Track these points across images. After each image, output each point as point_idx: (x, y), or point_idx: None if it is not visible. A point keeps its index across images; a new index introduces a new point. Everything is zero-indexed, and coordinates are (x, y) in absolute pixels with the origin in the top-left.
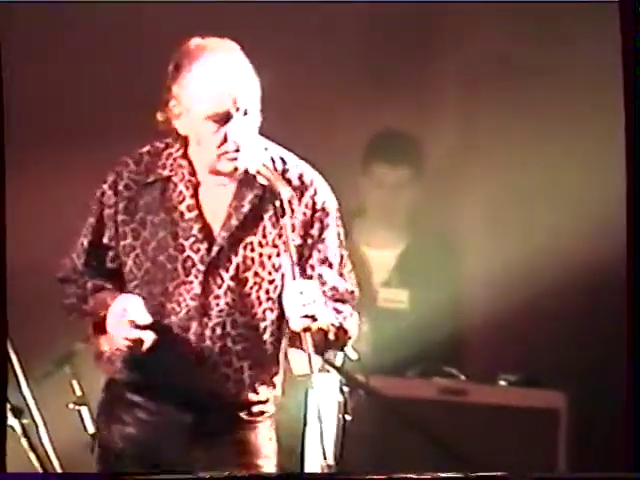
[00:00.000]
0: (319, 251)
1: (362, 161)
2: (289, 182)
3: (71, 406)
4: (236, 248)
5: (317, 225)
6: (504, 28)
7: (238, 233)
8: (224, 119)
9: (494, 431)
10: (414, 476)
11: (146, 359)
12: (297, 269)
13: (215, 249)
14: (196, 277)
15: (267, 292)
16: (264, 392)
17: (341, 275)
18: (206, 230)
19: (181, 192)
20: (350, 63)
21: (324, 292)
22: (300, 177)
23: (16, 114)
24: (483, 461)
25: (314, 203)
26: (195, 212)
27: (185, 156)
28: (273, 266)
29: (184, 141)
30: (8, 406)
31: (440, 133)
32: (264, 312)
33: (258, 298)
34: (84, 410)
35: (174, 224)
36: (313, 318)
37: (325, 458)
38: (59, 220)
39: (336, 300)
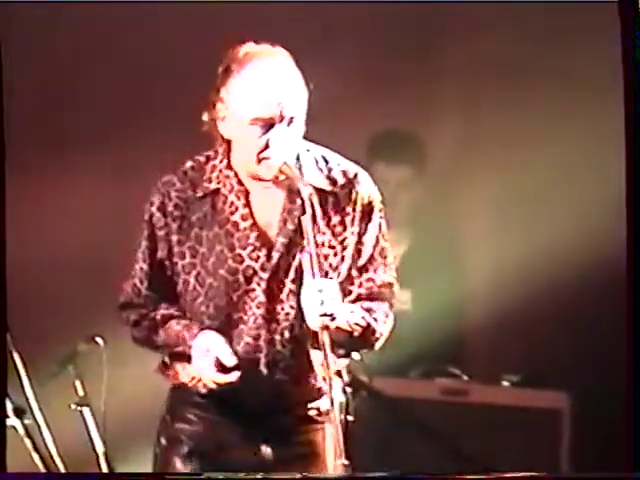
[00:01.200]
0: (363, 244)
1: (364, 160)
2: (334, 181)
3: (74, 406)
4: (294, 252)
5: (364, 219)
6: (505, 28)
7: (294, 237)
8: (268, 125)
9: (497, 431)
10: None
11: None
12: (317, 267)
13: (276, 255)
14: (259, 284)
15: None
16: (323, 396)
17: (380, 267)
18: (263, 237)
19: (232, 203)
20: (352, 63)
21: (361, 284)
22: (345, 174)
23: (16, 114)
24: (485, 461)
25: (360, 198)
26: (250, 221)
27: (229, 166)
28: (330, 266)
29: (227, 149)
30: (11, 406)
31: (442, 133)
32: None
33: None
34: (86, 410)
35: (229, 235)
36: (332, 317)
37: (341, 457)
38: (60, 219)
39: (371, 298)
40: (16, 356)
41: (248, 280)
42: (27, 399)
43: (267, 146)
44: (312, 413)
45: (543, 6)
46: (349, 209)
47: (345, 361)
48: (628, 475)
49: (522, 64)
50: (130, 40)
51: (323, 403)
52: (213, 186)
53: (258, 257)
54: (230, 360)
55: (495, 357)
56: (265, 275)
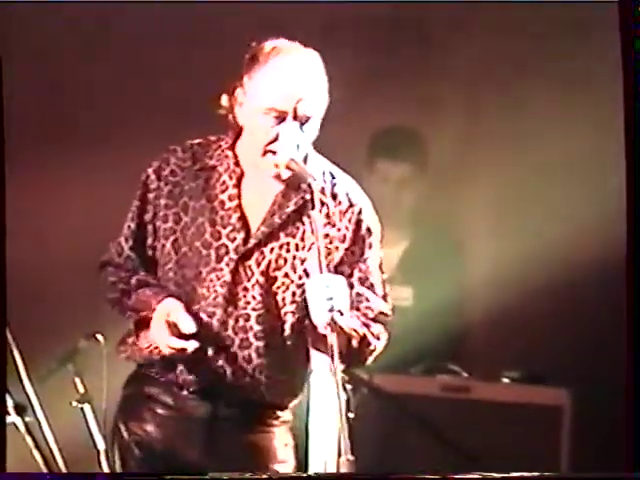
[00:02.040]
0: (360, 270)
1: (366, 157)
2: (334, 196)
3: (74, 404)
4: (272, 246)
5: (360, 244)
6: (505, 27)
7: (278, 231)
8: (281, 119)
9: (497, 428)
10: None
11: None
12: (324, 263)
13: (252, 241)
14: (227, 265)
15: (293, 295)
16: (280, 397)
17: (379, 297)
18: (244, 221)
19: (224, 182)
20: (353, 61)
21: (359, 308)
22: (347, 194)
23: (16, 114)
24: (486, 458)
25: (359, 221)
26: (235, 202)
27: (232, 148)
28: (304, 271)
29: (237, 133)
30: (11, 403)
31: (443, 131)
32: (285, 315)
33: (283, 299)
34: (87, 408)
35: (213, 212)
36: (340, 312)
37: (344, 454)
38: (60, 216)
39: (370, 319)
40: (16, 353)
41: (219, 258)
42: (27, 396)
43: (276, 139)
44: (256, 416)
45: (543, 6)
46: (341, 225)
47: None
48: (628, 475)
49: (523, 63)
50: (131, 39)
51: (271, 407)
52: (212, 162)
53: (235, 238)
54: (188, 326)
55: (495, 354)
56: (235, 257)
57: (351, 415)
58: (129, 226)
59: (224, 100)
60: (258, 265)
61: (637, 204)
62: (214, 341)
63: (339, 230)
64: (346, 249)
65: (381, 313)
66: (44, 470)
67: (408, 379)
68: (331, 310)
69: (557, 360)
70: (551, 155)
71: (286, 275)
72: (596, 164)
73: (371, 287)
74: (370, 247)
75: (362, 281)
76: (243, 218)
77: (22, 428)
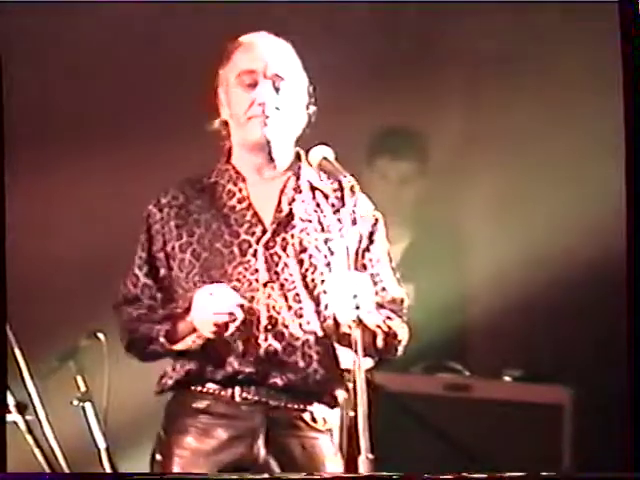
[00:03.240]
0: (370, 252)
1: (366, 156)
2: (334, 188)
3: (75, 402)
4: (291, 232)
5: (368, 230)
6: (505, 28)
7: (290, 218)
8: (253, 82)
9: (498, 426)
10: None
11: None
12: (352, 260)
13: (269, 230)
14: (254, 256)
15: (322, 274)
16: (330, 389)
17: (393, 284)
18: (257, 217)
19: (230, 190)
20: (352, 61)
21: (376, 292)
22: (341, 183)
23: (16, 114)
24: (487, 457)
25: (360, 209)
26: (246, 202)
27: (228, 162)
28: (329, 249)
29: (228, 150)
30: (12, 402)
31: (444, 130)
32: (319, 295)
33: (313, 281)
34: (88, 406)
35: (227, 217)
36: (365, 310)
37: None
38: (60, 215)
39: (386, 307)
40: (17, 351)
41: (243, 252)
42: (29, 395)
43: (252, 103)
44: (307, 421)
45: (544, 6)
46: (345, 211)
47: (369, 362)
48: (628, 475)
49: (523, 63)
50: (132, 39)
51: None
52: (212, 180)
53: (254, 233)
54: (235, 299)
55: (497, 352)
56: (259, 247)
57: (352, 414)
58: (140, 257)
59: (217, 123)
60: (284, 250)
61: (637, 204)
62: (263, 324)
63: (340, 216)
64: (357, 236)
65: (396, 298)
66: (45, 469)
67: (409, 377)
68: (356, 308)
69: (558, 359)
70: (551, 155)
71: (311, 256)
72: (596, 164)
73: (385, 273)
74: (377, 232)
75: (375, 261)
76: (256, 215)
77: (23, 427)
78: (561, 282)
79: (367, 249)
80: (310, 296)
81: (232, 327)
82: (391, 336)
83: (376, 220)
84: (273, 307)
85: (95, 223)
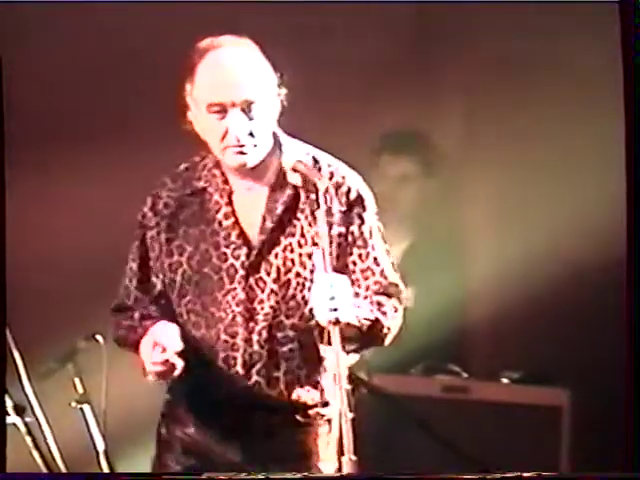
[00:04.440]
0: (360, 247)
1: (368, 156)
2: (337, 187)
3: (74, 404)
4: (275, 251)
5: (357, 221)
6: (506, 28)
7: (275, 235)
8: (224, 111)
9: (497, 428)
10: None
11: (196, 370)
12: (329, 262)
13: (253, 253)
14: (239, 283)
15: (310, 290)
16: (315, 394)
17: (384, 269)
18: (243, 236)
19: (217, 201)
20: (352, 61)
21: (368, 286)
22: (332, 175)
23: (17, 114)
24: (486, 458)
25: (349, 199)
26: (231, 219)
27: (218, 165)
28: (314, 265)
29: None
30: (11, 404)
31: (444, 130)
32: (310, 311)
33: (303, 298)
34: (87, 408)
35: (214, 234)
36: (342, 312)
37: (346, 454)
38: (60, 217)
39: (380, 293)
40: (16, 353)
41: (230, 279)
42: (27, 397)
43: (226, 132)
44: (298, 415)
45: (544, 6)
46: (335, 209)
47: (355, 357)
48: (628, 475)
49: (523, 63)
50: (130, 39)
51: (310, 406)
52: (201, 185)
53: (239, 256)
54: (174, 344)
55: (495, 354)
56: (244, 273)
57: (350, 415)
58: (131, 267)
59: (185, 121)
60: (268, 274)
61: (637, 204)
62: (242, 359)
63: (334, 211)
64: (345, 229)
65: (391, 285)
66: (44, 470)
67: (408, 379)
68: (334, 310)
69: (557, 360)
70: (552, 154)
71: (298, 274)
72: (597, 164)
73: (375, 261)
74: (366, 221)
75: (365, 256)
76: (242, 234)
77: (22, 428)
78: (560, 284)
79: (355, 243)
80: (296, 319)
81: (176, 372)
82: (378, 327)
83: (364, 208)
84: (257, 342)
85: (94, 225)
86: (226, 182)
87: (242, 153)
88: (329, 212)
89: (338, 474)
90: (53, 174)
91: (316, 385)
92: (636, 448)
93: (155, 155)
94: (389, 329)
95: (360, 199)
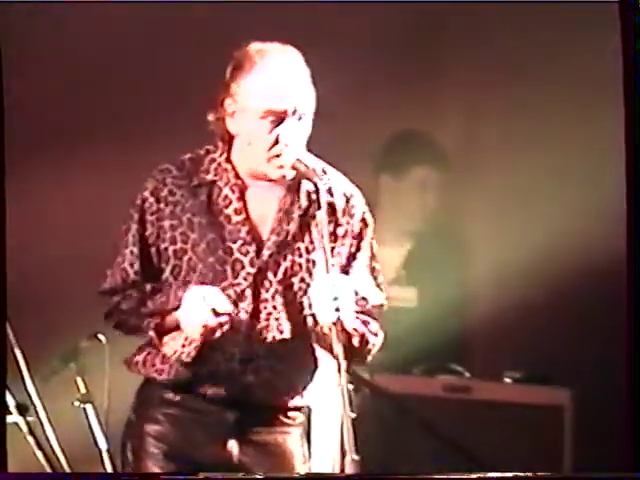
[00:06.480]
0: (355, 262)
1: (370, 159)
2: (331, 194)
3: (76, 404)
4: (285, 253)
5: (356, 238)
6: (507, 29)
7: (288, 238)
8: (279, 120)
9: (499, 428)
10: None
11: (195, 362)
12: (331, 262)
13: (266, 253)
14: (245, 279)
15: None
16: (299, 400)
17: (372, 288)
18: (254, 233)
19: (227, 196)
20: (352, 63)
21: (355, 302)
22: (342, 190)
23: (17, 114)
24: (488, 458)
25: (352, 216)
26: (242, 215)
27: (229, 160)
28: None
29: (228, 143)
30: (13, 403)
31: (446, 133)
32: (305, 319)
33: (301, 304)
34: (89, 407)
35: (221, 227)
36: (344, 312)
37: (348, 454)
38: (62, 216)
39: (365, 313)
40: (18, 352)
41: (235, 273)
42: (29, 396)
43: (277, 142)
44: (280, 417)
45: (544, 6)
46: (343, 221)
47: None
48: (628, 475)
49: (524, 64)
50: (131, 40)
51: (292, 409)
52: (210, 177)
53: (247, 252)
54: (225, 306)
55: (497, 354)
56: (253, 271)
57: (353, 415)
58: (132, 251)
59: (211, 117)
60: (275, 275)
61: (637, 204)
62: (239, 355)
63: (341, 226)
64: (344, 243)
65: (375, 306)
66: (46, 470)
67: (410, 379)
68: (337, 310)
69: (558, 360)
70: (552, 157)
71: (302, 280)
72: (597, 164)
73: (364, 279)
74: (364, 238)
75: (357, 272)
76: (253, 230)
77: (24, 428)
78: (561, 284)
79: (352, 258)
80: (296, 321)
81: (218, 333)
82: (364, 342)
83: (366, 225)
84: (257, 339)
85: (96, 224)
86: (238, 177)
87: (286, 167)
88: (331, 213)
89: (339, 474)
90: (54, 174)
91: (305, 388)
92: (637, 448)
93: (157, 155)
94: (373, 346)
95: (363, 216)
